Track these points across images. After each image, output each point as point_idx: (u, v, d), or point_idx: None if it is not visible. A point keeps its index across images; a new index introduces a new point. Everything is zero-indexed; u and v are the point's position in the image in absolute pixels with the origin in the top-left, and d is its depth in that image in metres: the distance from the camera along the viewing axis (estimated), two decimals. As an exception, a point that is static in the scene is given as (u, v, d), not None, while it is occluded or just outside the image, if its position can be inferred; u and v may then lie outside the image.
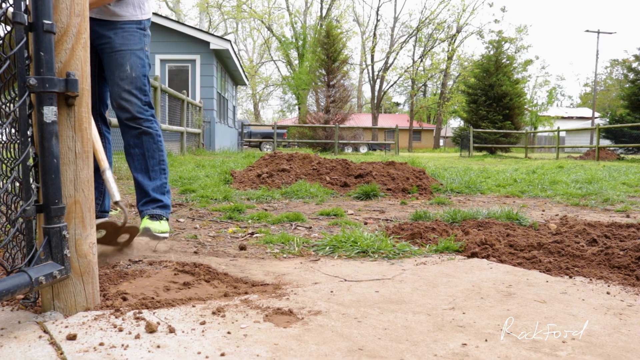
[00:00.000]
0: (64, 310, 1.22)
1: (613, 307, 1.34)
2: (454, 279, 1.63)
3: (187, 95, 12.54)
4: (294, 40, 36.10)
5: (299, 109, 34.06)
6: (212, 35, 14.74)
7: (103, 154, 1.71)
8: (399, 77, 38.21)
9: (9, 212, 1.27)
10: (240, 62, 18.44)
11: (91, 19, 1.84)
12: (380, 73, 37.08)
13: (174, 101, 10.59)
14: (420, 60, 36.24)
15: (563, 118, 44.52)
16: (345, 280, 1.61)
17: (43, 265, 1.14)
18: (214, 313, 1.25)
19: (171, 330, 1.12)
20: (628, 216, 3.17)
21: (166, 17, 14.74)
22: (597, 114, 35.99)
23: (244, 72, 19.51)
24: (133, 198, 3.90)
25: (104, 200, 2.15)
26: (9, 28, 1.14)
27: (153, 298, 1.37)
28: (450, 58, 35.01)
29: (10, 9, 1.11)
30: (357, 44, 74.90)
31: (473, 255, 1.98)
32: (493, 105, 22.00)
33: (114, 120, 5.55)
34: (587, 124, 41.07)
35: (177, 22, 14.79)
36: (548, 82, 39.98)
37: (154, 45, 14.42)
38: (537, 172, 7.16)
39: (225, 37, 24.58)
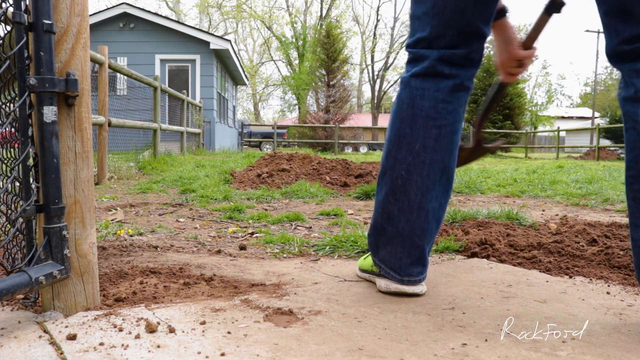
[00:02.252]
0: (64, 310, 1.22)
1: (613, 307, 1.34)
2: (454, 278, 1.63)
3: (187, 95, 12.55)
4: (294, 40, 36.08)
5: (299, 109, 34.03)
6: (212, 35, 14.75)
7: None
8: (399, 77, 38.23)
9: (9, 212, 1.27)
10: (240, 62, 18.44)
11: None
12: (380, 73, 37.09)
13: (174, 101, 10.60)
14: (420, 60, 36.18)
15: (563, 118, 44.51)
16: (346, 280, 1.62)
17: (43, 265, 1.14)
18: (214, 313, 1.25)
19: (171, 330, 1.12)
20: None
21: (166, 17, 14.75)
22: (597, 114, 35.97)
23: (244, 72, 19.51)
24: (133, 198, 3.90)
25: None
26: (9, 28, 1.14)
27: (153, 298, 1.37)
28: (450, 58, 34.90)
29: (10, 9, 1.11)
30: (357, 44, 74.91)
31: (473, 255, 1.98)
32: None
33: (113, 121, 5.56)
34: (587, 124, 41.05)
35: (177, 22, 14.80)
36: (547, 82, 40.00)
37: (154, 45, 14.44)
38: (537, 172, 7.16)
39: (225, 37, 24.55)
